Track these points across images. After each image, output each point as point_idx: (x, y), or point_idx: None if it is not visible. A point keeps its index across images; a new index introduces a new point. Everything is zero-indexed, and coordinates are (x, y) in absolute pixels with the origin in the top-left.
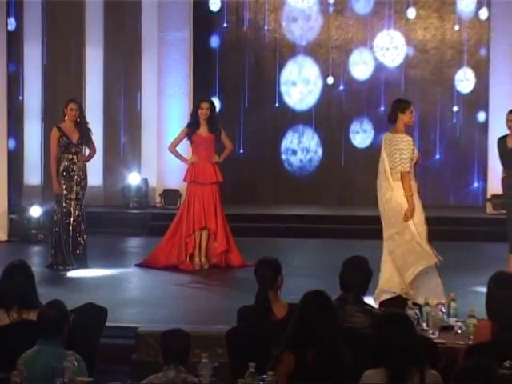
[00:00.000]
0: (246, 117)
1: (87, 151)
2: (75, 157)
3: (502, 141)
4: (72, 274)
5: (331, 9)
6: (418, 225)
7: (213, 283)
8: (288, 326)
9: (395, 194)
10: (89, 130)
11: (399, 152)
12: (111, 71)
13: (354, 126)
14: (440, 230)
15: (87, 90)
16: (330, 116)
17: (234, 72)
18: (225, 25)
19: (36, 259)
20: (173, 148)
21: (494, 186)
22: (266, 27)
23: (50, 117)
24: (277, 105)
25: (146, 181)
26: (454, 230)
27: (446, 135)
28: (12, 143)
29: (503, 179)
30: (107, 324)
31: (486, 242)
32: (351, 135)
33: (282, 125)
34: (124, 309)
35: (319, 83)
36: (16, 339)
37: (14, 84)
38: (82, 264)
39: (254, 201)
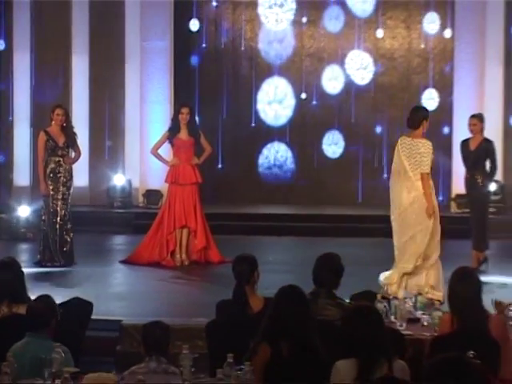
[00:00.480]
0: (224, 126)
1: (73, 154)
2: (61, 159)
3: (465, 143)
4: (59, 270)
5: (304, 28)
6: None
7: (193, 278)
8: (264, 318)
9: (421, 194)
10: (74, 133)
11: (420, 155)
12: (96, 78)
13: (327, 138)
14: None
15: (74, 96)
16: (304, 129)
17: (212, 80)
18: (204, 45)
19: (25, 256)
20: (155, 151)
21: (458, 186)
22: (242, 48)
23: (38, 122)
24: (253, 124)
25: (129, 182)
26: None
27: None
28: (2, 147)
29: (466, 180)
30: (93, 317)
31: (451, 239)
32: (324, 146)
33: (258, 140)
34: (109, 303)
35: (293, 100)
36: (6, 332)
37: (4, 91)
38: (69, 261)
39: (231, 201)
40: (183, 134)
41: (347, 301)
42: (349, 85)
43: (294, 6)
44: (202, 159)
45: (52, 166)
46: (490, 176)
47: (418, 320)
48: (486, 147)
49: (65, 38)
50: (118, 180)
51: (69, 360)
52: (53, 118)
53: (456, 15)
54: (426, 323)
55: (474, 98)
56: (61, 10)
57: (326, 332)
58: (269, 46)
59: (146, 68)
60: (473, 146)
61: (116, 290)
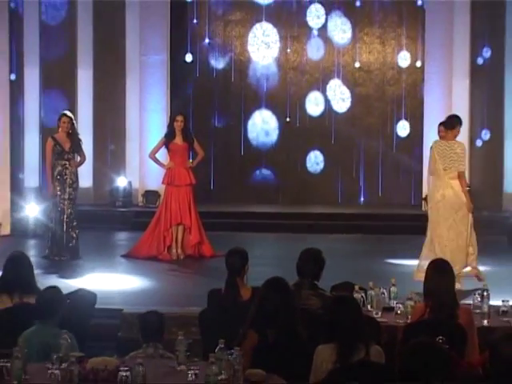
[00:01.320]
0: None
1: (78, 158)
2: (67, 163)
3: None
4: (66, 263)
5: (289, 62)
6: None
7: (187, 271)
8: (252, 307)
9: (454, 190)
10: (79, 139)
11: (456, 155)
12: (100, 90)
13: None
14: (384, 225)
15: (79, 105)
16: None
17: (204, 90)
18: (197, 74)
19: (34, 251)
20: (152, 155)
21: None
22: (232, 80)
23: (46, 129)
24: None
25: (130, 183)
26: (395, 224)
27: (387, 145)
28: (14, 152)
29: None
30: (96, 306)
31: (422, 236)
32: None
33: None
34: (111, 293)
35: (278, 124)
36: (17, 320)
37: (16, 101)
38: (75, 255)
39: (224, 201)
40: (178, 140)
41: (328, 291)
42: (329, 109)
43: (278, 44)
44: (196, 162)
45: (59, 168)
46: None
47: (392, 309)
48: None
49: (71, 54)
50: (120, 181)
51: (74, 345)
52: (59, 126)
53: (426, 35)
54: (399, 311)
55: (442, 108)
56: (67, 30)
57: (308, 320)
58: (256, 79)
59: (144, 80)
60: None
61: (117, 282)
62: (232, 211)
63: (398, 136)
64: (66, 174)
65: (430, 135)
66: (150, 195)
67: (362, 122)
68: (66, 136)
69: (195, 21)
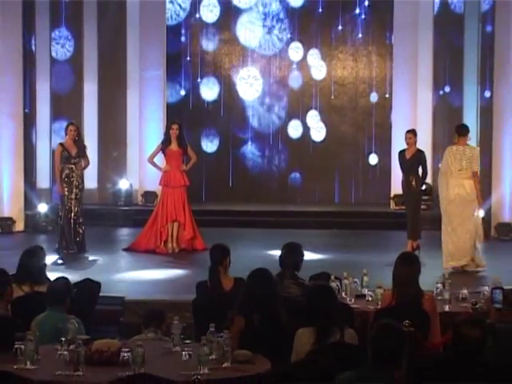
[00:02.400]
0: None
1: (83, 162)
2: (74, 166)
3: (402, 153)
4: (73, 256)
5: (271, 100)
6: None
7: (182, 263)
8: (237, 295)
9: (465, 189)
10: (84, 146)
11: (471, 158)
12: (104, 101)
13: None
14: (355, 221)
15: (85, 115)
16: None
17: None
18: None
19: (45, 245)
20: (151, 159)
21: (396, 187)
22: (221, 114)
23: (56, 136)
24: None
25: (130, 185)
26: (367, 221)
27: (360, 151)
28: (27, 157)
29: (402, 182)
30: (101, 294)
31: (390, 231)
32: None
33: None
34: (113, 283)
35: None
36: (30, 307)
37: (29, 111)
38: (81, 249)
39: (213, 200)
40: (174, 146)
41: (307, 281)
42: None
43: (260, 81)
44: (189, 166)
45: (66, 171)
46: (421, 179)
47: (363, 296)
48: (419, 156)
49: (78, 68)
50: (122, 183)
51: (81, 329)
52: (67, 133)
53: (394, 52)
54: (370, 298)
55: (408, 117)
56: (74, 46)
57: (289, 306)
58: (242, 111)
59: (143, 93)
60: (408, 155)
61: (119, 272)
62: (222, 209)
63: (368, 142)
64: (72, 177)
65: (398, 141)
66: (149, 195)
67: (336, 130)
68: (73, 143)
69: (188, 58)
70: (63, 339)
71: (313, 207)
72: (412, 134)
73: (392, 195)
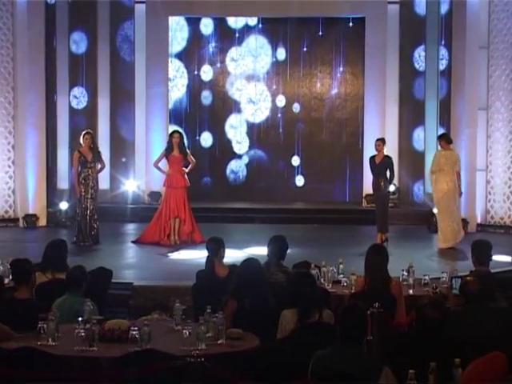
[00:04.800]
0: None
1: (99, 166)
2: (90, 170)
3: (372, 158)
4: (89, 247)
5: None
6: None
7: (183, 253)
8: (230, 281)
9: (453, 184)
10: (99, 151)
11: (455, 160)
12: (115, 114)
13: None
14: (332, 217)
15: (99, 126)
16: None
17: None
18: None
19: (65, 238)
20: (156, 164)
21: (367, 188)
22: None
23: (74, 144)
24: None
25: (138, 186)
26: (342, 217)
27: (335, 156)
28: (49, 162)
29: (373, 184)
30: (112, 280)
31: (362, 225)
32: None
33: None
34: (124, 270)
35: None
36: (51, 291)
37: (50, 121)
38: (96, 241)
39: (209, 199)
40: (175, 152)
41: (290, 268)
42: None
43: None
44: (189, 170)
45: (83, 175)
46: (389, 181)
47: (339, 282)
48: (387, 161)
49: (93, 86)
50: (130, 185)
51: (95, 311)
52: (83, 141)
53: (365, 70)
54: (345, 284)
55: (378, 127)
56: (89, 66)
57: (276, 291)
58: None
59: (149, 107)
60: (378, 160)
61: (129, 261)
62: (217, 207)
63: (342, 149)
64: (88, 179)
65: (368, 148)
66: (154, 195)
67: (316, 138)
68: (89, 149)
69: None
70: (80, 319)
71: (297, 205)
72: (381, 141)
73: (364, 195)
